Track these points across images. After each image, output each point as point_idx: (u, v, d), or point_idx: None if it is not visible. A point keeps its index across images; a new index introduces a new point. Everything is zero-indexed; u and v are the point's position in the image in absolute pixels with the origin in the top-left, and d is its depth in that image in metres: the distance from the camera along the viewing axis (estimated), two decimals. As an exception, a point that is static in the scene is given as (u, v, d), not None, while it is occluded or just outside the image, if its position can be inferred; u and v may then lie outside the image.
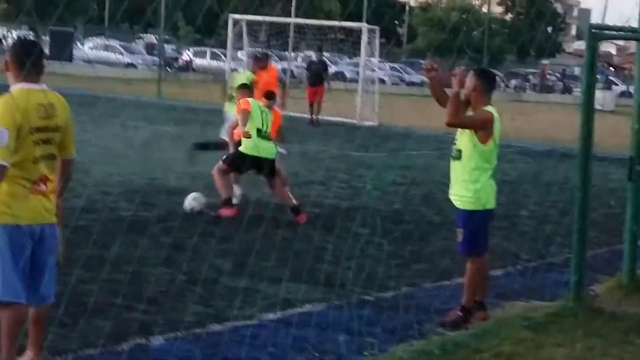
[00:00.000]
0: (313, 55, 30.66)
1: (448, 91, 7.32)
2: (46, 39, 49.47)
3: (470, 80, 7.31)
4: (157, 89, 34.10)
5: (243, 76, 14.09)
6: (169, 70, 50.32)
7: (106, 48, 57.94)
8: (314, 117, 27.03)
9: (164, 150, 17.04)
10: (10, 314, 5.43)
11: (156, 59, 48.18)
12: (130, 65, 54.25)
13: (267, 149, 11.35)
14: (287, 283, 8.15)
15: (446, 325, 7.36)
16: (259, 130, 11.37)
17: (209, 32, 70.17)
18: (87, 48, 58.50)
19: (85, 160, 12.75)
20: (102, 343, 6.28)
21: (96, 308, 6.95)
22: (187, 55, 61.01)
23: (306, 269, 8.33)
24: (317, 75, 27.71)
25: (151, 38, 68.45)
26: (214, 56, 57.90)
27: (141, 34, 73.49)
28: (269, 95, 11.79)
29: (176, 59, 59.44)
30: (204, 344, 6.50)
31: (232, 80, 14.10)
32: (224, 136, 12.40)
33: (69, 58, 50.37)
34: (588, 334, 7.17)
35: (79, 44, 57.82)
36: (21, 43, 5.87)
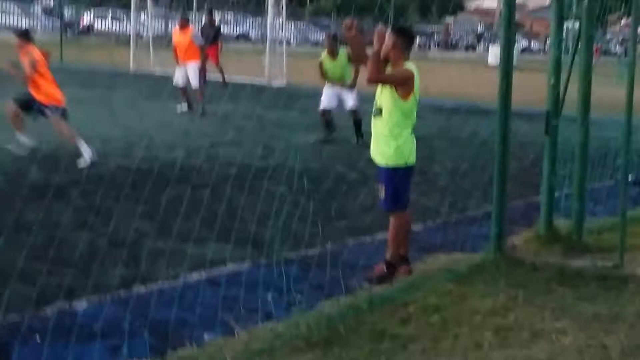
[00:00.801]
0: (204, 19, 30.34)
1: (367, 50, 7.33)
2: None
3: (389, 38, 7.32)
4: (60, 53, 33.39)
5: None
6: (68, 33, 49.32)
7: (2, 12, 56.48)
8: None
9: (75, 115, 16.69)
10: None
11: (55, 23, 47.17)
12: (29, 29, 52.91)
13: None
14: (213, 243, 8.11)
15: (372, 280, 7.41)
16: None
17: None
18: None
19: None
20: (26, 309, 6.17)
21: (17, 275, 6.80)
22: (87, 18, 59.90)
23: (230, 229, 8.28)
24: (208, 38, 27.44)
25: (49, 1, 66.92)
26: (115, 19, 56.98)
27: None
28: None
29: (77, 23, 58.30)
30: (131, 307, 6.42)
31: None
32: None
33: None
34: (511, 284, 7.29)
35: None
36: None
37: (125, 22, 50.66)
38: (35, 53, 12.30)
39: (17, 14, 55.56)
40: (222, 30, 29.60)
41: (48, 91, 12.31)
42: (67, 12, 59.21)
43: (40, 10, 61.72)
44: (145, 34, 34.38)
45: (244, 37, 58.26)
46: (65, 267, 7.13)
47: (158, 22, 43.74)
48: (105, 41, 49.47)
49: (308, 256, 7.98)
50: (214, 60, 26.79)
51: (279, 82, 27.63)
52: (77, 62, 31.07)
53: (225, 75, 26.03)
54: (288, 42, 35.51)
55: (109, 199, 9.53)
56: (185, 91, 19.20)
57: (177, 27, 19.82)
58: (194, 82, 19.11)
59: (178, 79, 19.32)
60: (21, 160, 11.72)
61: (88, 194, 9.83)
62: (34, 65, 12.08)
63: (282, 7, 29.49)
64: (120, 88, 23.26)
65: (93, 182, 10.49)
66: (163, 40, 34.23)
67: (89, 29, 57.05)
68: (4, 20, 54.22)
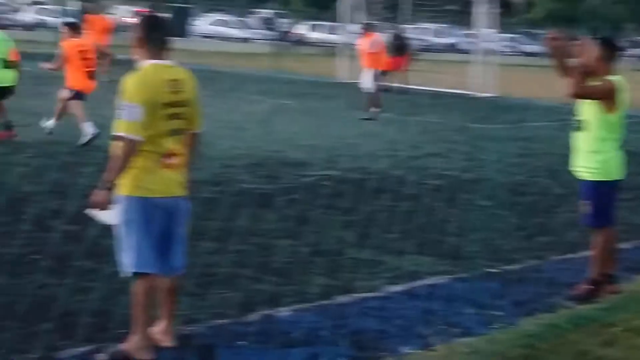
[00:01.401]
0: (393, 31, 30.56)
1: (570, 62, 7.16)
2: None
3: (593, 50, 7.15)
4: (274, 63, 34.36)
5: None
6: (284, 44, 50.63)
7: (223, 23, 58.76)
8: (393, 85, 26.80)
9: (285, 123, 17.18)
10: (143, 284, 5.54)
11: (272, 33, 48.58)
12: (245, 39, 54.75)
13: None
14: (412, 255, 8.13)
15: (575, 298, 7.23)
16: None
17: (323, 6, 70.28)
18: (205, 23, 59.38)
19: (209, 134, 12.90)
20: (231, 313, 6.39)
21: (225, 279, 7.07)
22: (301, 29, 61.28)
23: (431, 241, 8.30)
24: (395, 48, 27.66)
25: (266, 13, 68.94)
26: (329, 29, 58.04)
27: (256, 9, 74.01)
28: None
29: (290, 33, 59.80)
30: (331, 316, 6.53)
31: None
32: None
33: (188, 34, 51.18)
34: None
35: (197, 19, 58.68)
36: (149, 19, 5.85)
37: (335, 33, 51.53)
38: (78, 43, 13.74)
39: (235, 24, 57.54)
40: (436, 40, 29.76)
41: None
42: (281, 23, 60.86)
43: (256, 22, 63.72)
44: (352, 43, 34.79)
45: (454, 47, 58.07)
46: (269, 274, 7.34)
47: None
48: (317, 51, 50.44)
49: (509, 271, 7.88)
50: (401, 70, 27.08)
51: (489, 93, 27.33)
52: (290, 72, 31.80)
53: (434, 87, 26.08)
54: (499, 53, 35.13)
55: (314, 207, 9.72)
56: (371, 96, 19.60)
57: (362, 33, 20.74)
58: (368, 86, 19.44)
59: (362, 84, 19.82)
60: (231, 167, 12.12)
61: (293, 202, 10.07)
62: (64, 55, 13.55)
63: (493, 18, 29.20)
64: (329, 97, 23.66)
65: (298, 191, 10.74)
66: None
67: (302, 39, 58.30)
68: (224, 31, 56.35)
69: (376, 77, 19.84)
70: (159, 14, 6.31)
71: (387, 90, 25.67)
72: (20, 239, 7.52)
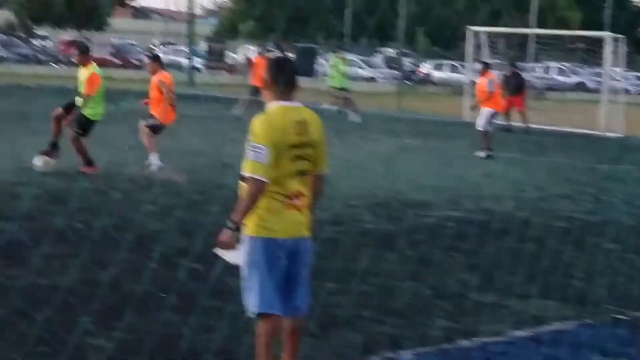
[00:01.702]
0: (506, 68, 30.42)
1: None
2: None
3: None
4: (399, 102, 34.41)
5: None
6: (408, 83, 50.73)
7: (350, 63, 59.22)
8: (512, 124, 26.98)
9: (408, 163, 17.17)
10: (265, 325, 5.59)
11: (395, 72, 48.73)
12: (371, 79, 55.04)
13: None
14: (537, 299, 7.99)
15: None
16: None
17: (448, 45, 70.27)
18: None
19: (331, 174, 12.99)
20: (353, 355, 6.38)
21: (346, 320, 7.08)
22: (425, 68, 61.35)
23: (556, 285, 8.14)
24: (511, 87, 27.43)
25: (390, 52, 69.25)
26: (453, 68, 57.94)
27: (380, 48, 74.45)
28: None
29: (415, 72, 59.94)
30: (453, 359, 6.47)
31: None
32: None
33: (312, 73, 51.76)
34: None
35: (322, 59, 59.30)
36: (276, 62, 5.93)
37: (461, 71, 51.34)
38: (164, 76, 14.35)
39: (360, 65, 57.97)
40: (562, 79, 29.57)
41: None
42: (406, 63, 61.03)
43: (381, 61, 64.08)
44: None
45: (580, 86, 57.17)
46: (391, 316, 7.31)
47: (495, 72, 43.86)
48: (441, 90, 50.35)
49: (637, 318, 7.66)
50: (518, 109, 26.81)
51: (616, 133, 26.77)
52: (414, 111, 31.80)
53: (559, 126, 25.72)
54: (627, 91, 34.45)
55: (436, 249, 9.66)
56: (483, 135, 19.41)
57: (480, 73, 20.91)
58: (482, 125, 19.38)
59: (477, 123, 19.71)
60: (354, 207, 12.15)
61: (416, 243, 10.03)
62: (164, 86, 14.15)
63: (621, 56, 28.68)
64: (453, 137, 23.55)
65: (421, 232, 10.69)
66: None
67: (427, 78, 58.33)
68: (352, 71, 56.90)
69: (492, 117, 19.71)
70: (286, 56, 6.41)
71: (508, 130, 25.54)
72: (147, 276, 7.70)
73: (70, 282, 7.48)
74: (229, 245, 5.51)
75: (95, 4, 69.19)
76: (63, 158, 14.30)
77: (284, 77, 5.68)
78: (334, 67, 28.49)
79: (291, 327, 5.77)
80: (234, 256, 5.58)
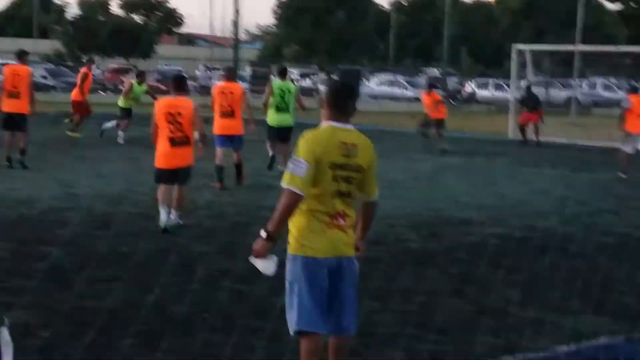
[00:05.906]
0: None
1: None
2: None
3: None
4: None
5: None
6: (452, 102, 50.65)
7: (391, 83, 59.40)
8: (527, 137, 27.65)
9: (451, 181, 17.15)
10: (307, 343, 5.62)
11: (441, 92, 48.69)
12: (415, 99, 55.02)
13: None
14: (580, 315, 7.95)
15: None
16: None
17: (492, 64, 70.08)
18: (374, 84, 60.15)
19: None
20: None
21: (387, 338, 7.10)
22: (470, 87, 61.22)
23: (600, 301, 8.09)
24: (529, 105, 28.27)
25: (434, 72, 69.23)
26: (497, 87, 57.76)
27: (424, 68, 74.46)
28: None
29: (459, 91, 59.84)
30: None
31: None
32: None
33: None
34: None
35: (365, 80, 59.49)
36: (335, 84, 6.14)
37: (506, 89, 51.18)
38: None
39: (403, 86, 58.05)
40: (607, 95, 29.73)
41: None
42: (451, 82, 60.99)
43: (424, 81, 64.03)
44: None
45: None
46: (432, 333, 7.32)
47: (538, 88, 43.74)
48: (486, 109, 50.20)
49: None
50: (534, 122, 27.16)
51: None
52: (460, 130, 31.70)
53: (603, 142, 25.69)
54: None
55: (480, 266, 9.64)
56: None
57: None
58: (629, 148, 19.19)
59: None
60: (396, 226, 12.16)
61: (460, 261, 10.03)
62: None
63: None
64: (497, 155, 23.48)
65: (463, 249, 10.67)
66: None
67: (472, 97, 58.19)
68: (392, 91, 57.00)
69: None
70: (349, 82, 6.49)
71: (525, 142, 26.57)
72: (191, 297, 7.78)
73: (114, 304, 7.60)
74: (261, 254, 5.56)
75: (141, 31, 70.04)
76: (109, 183, 14.49)
77: (340, 100, 5.77)
78: None
79: (337, 346, 5.78)
80: (266, 265, 5.62)
